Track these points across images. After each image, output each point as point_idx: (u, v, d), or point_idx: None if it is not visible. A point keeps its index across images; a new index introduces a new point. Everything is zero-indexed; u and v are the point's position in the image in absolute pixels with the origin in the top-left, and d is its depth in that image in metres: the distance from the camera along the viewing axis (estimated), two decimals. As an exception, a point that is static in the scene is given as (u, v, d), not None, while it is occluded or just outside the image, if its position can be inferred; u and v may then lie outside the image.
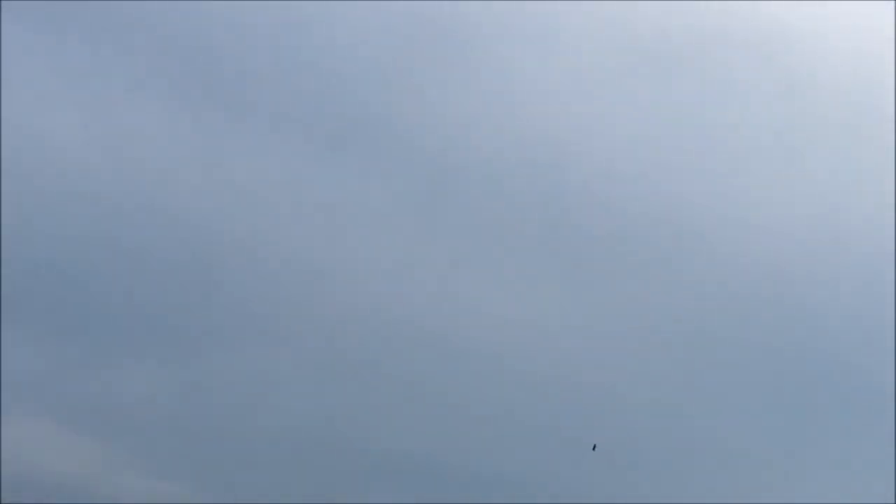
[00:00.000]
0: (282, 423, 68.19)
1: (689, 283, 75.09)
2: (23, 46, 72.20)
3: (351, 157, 76.01)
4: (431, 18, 78.07)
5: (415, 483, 67.15)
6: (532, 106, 78.22)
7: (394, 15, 77.88)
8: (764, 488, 66.25)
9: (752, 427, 69.54)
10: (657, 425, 69.69)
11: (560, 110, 78.63)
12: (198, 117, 74.86)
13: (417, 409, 69.37)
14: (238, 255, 72.50)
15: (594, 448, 61.01)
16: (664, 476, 68.25)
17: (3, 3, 72.69)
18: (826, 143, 78.57)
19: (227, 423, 67.72)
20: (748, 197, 77.61)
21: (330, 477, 66.67)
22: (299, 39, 77.43)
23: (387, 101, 77.54)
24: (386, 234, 75.37)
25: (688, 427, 69.43)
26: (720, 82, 79.10)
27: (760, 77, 78.80)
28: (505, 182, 76.89)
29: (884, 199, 76.71)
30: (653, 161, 77.97)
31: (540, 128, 77.79)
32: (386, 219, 75.81)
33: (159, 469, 66.58)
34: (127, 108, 74.85)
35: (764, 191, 77.71)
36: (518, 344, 72.01)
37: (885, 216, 76.00)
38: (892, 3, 77.45)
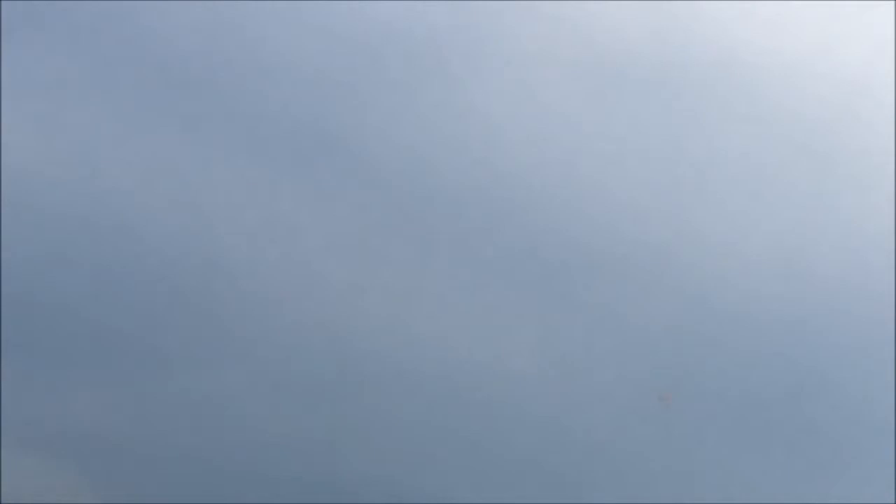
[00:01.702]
0: (239, 444, 68.10)
1: (664, 305, 75.39)
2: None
3: (312, 174, 75.99)
4: (396, 35, 78.26)
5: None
6: (497, 126, 78.42)
7: (358, 31, 77.99)
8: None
9: (742, 452, 70.00)
10: (640, 448, 70.02)
11: (525, 131, 78.86)
12: (153, 133, 74.72)
13: (377, 433, 69.43)
14: (194, 272, 72.30)
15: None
16: (652, 485, 68.67)
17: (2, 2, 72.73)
18: (795, 165, 79.13)
19: (182, 445, 67.62)
20: (718, 215, 78.11)
21: (292, 501, 66.76)
22: (260, 54, 77.47)
23: (348, 118, 77.54)
24: (346, 252, 75.36)
25: (674, 448, 69.75)
26: (689, 104, 79.65)
27: (728, 99, 79.44)
28: (467, 201, 77.01)
29: (853, 218, 77.43)
30: (622, 182, 78.37)
31: (504, 148, 78.05)
32: (347, 237, 75.83)
33: (111, 492, 66.53)
34: (81, 121, 74.81)
35: (736, 210, 78.22)
36: (480, 368, 72.18)
37: (853, 234, 76.81)
38: (892, 3, 77.68)
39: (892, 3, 77.34)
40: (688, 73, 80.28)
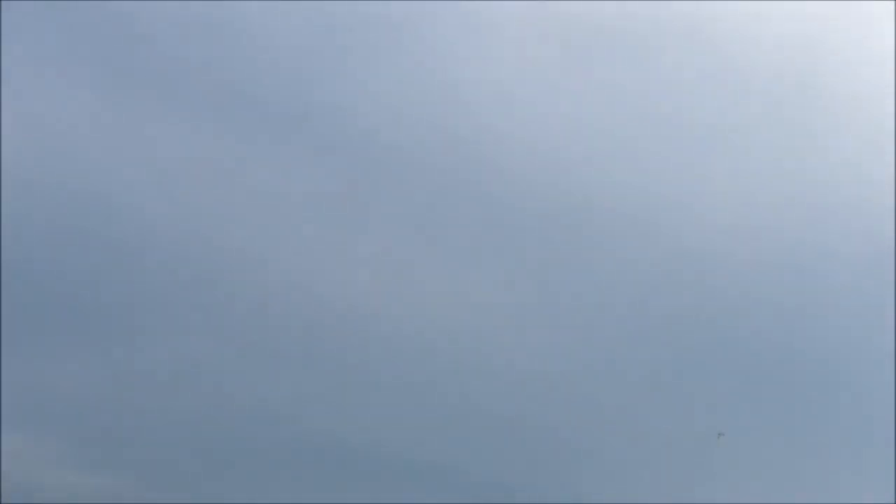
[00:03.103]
0: (212, 411, 67.90)
1: (632, 268, 75.35)
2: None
3: (283, 142, 75.86)
4: (359, 3, 78.01)
5: (349, 469, 67.23)
6: (470, 92, 78.23)
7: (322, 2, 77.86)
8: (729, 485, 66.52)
9: (712, 412, 69.71)
10: (618, 416, 69.94)
11: (497, 97, 78.73)
12: (124, 103, 74.47)
13: (351, 395, 69.36)
14: (167, 240, 72.13)
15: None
16: (631, 472, 68.46)
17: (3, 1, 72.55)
18: (765, 128, 79.04)
19: (157, 413, 67.38)
20: (689, 181, 78.04)
21: (262, 466, 66.63)
22: (229, 23, 77.11)
23: (321, 86, 77.37)
24: (319, 219, 75.27)
25: (654, 417, 69.53)
26: (658, 69, 79.42)
27: (698, 63, 79.16)
28: (441, 167, 76.86)
29: (823, 181, 77.43)
30: (593, 147, 78.20)
31: (477, 114, 77.82)
32: (319, 203, 75.69)
33: (87, 462, 66.22)
34: (56, 96, 74.49)
35: (705, 175, 78.12)
36: (452, 329, 72.15)
37: (824, 197, 76.84)
38: (892, 3, 77.50)
39: (893, 2, 77.27)
40: (658, 36, 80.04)
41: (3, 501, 62.72)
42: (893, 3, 77.17)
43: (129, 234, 72.01)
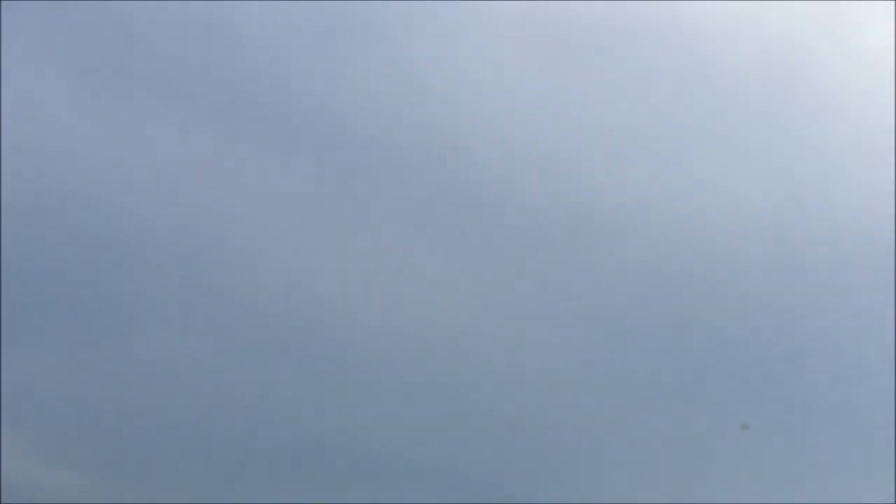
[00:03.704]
0: (209, 411, 68.07)
1: (630, 268, 75.54)
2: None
3: (281, 142, 76.06)
4: (346, 2, 78.28)
5: (347, 470, 67.36)
6: (467, 93, 78.43)
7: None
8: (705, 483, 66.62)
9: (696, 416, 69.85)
10: (618, 416, 70.06)
11: (493, 97, 78.91)
12: (121, 103, 74.71)
13: (349, 395, 69.46)
14: (163, 239, 72.28)
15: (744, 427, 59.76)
16: (631, 473, 68.58)
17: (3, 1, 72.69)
18: (744, 127, 79.31)
19: (153, 413, 67.55)
20: (687, 182, 78.22)
21: (260, 465, 66.80)
22: (225, 24, 77.34)
23: (318, 86, 77.53)
24: (317, 218, 75.43)
25: (654, 417, 69.63)
26: (634, 71, 79.63)
27: (673, 66, 79.37)
28: (439, 167, 77.05)
29: (793, 181, 77.70)
30: (590, 147, 78.39)
31: (459, 113, 77.95)
32: (318, 203, 75.85)
33: (62, 457, 66.29)
34: (48, 96, 74.77)
35: (671, 173, 78.31)
36: (451, 329, 72.32)
37: (794, 199, 77.10)
38: (892, 3, 77.52)
39: (893, 2, 77.24)
40: (635, 37, 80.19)
41: (3, 501, 62.79)
42: (893, 2, 77.16)
43: (124, 233, 72.14)
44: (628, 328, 72.51)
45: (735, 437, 68.25)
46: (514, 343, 71.92)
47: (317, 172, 76.39)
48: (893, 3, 77.10)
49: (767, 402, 70.18)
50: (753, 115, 79.21)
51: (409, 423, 67.89)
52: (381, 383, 69.02)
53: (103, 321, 69.37)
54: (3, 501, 62.26)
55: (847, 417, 68.85)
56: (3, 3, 71.93)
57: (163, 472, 65.15)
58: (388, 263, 73.96)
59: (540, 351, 71.73)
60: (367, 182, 76.16)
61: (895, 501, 63.00)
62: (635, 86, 78.85)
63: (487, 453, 67.77)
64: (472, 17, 78.70)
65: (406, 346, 70.78)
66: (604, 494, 67.23)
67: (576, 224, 75.79)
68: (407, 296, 73.05)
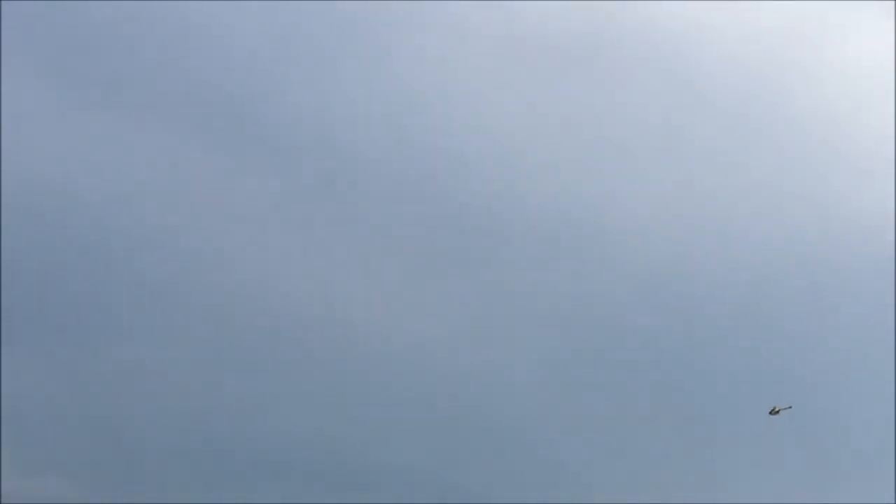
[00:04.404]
0: (173, 418, 67.98)
1: (586, 276, 75.58)
2: None
3: (245, 151, 76.03)
4: (328, 11, 78.16)
5: (327, 473, 67.30)
6: (428, 103, 78.53)
7: (289, 6, 78.03)
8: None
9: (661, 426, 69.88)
10: (607, 423, 70.01)
11: (448, 106, 79.06)
12: (106, 111, 74.62)
13: (313, 402, 69.45)
14: (130, 247, 72.29)
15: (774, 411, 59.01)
16: (622, 479, 68.54)
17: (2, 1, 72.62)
18: (713, 139, 79.54)
19: (116, 418, 67.44)
20: (640, 190, 78.39)
21: (220, 474, 66.66)
22: (189, 30, 77.34)
23: (300, 95, 77.63)
24: (301, 226, 75.51)
25: (646, 424, 69.64)
26: (611, 81, 79.84)
27: (649, 76, 79.63)
28: (399, 177, 77.16)
29: (771, 188, 77.88)
30: (547, 157, 78.59)
31: (435, 124, 78.14)
32: (301, 211, 75.93)
33: (44, 464, 66.14)
34: (38, 104, 74.71)
35: (655, 184, 78.47)
36: (410, 338, 72.33)
37: (773, 207, 77.27)
38: (893, 3, 77.58)
39: (893, 2, 77.32)
40: (619, 49, 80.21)
41: (3, 501, 62.63)
42: (893, 5, 77.23)
43: (112, 240, 72.30)
44: (616, 335, 72.47)
45: (734, 439, 68.25)
46: (502, 349, 71.88)
47: (306, 182, 76.44)
48: (894, 3, 77.23)
49: (759, 405, 70.22)
50: (737, 124, 79.46)
51: (392, 427, 67.81)
52: (363, 387, 69.00)
53: (91, 326, 69.34)
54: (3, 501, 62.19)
55: (846, 419, 68.87)
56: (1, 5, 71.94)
57: (150, 475, 65.07)
58: (370, 271, 73.98)
59: (523, 358, 71.67)
60: (354, 191, 76.27)
61: (895, 502, 62.95)
62: (620, 96, 78.99)
63: (473, 459, 67.71)
64: (458, 29, 78.84)
65: (395, 353, 70.73)
66: (593, 498, 67.24)
67: (561, 232, 75.95)
68: (394, 303, 73.00)
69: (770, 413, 55.11)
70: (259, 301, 72.33)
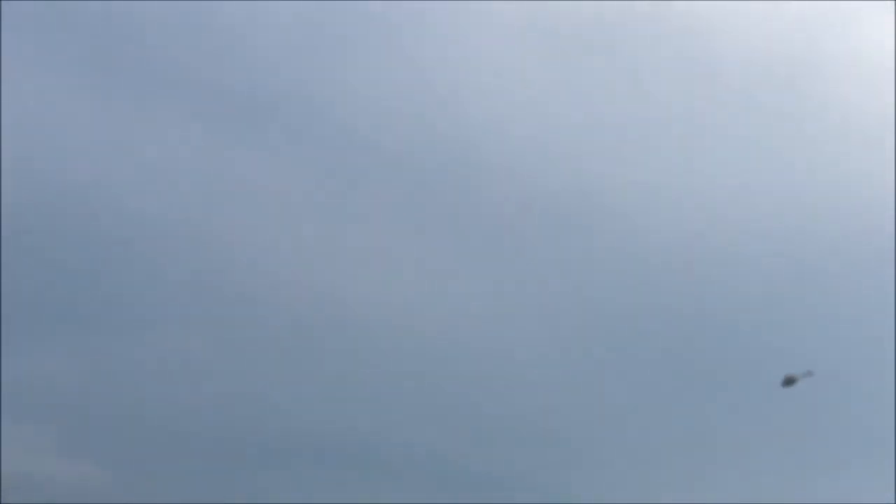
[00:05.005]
0: (203, 407, 68.14)
1: (604, 260, 75.70)
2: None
3: (275, 140, 76.14)
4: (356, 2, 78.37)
5: (344, 465, 67.43)
6: (442, 87, 78.57)
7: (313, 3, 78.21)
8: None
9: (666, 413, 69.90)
10: (623, 406, 70.04)
11: (470, 91, 79.09)
12: (117, 101, 74.82)
13: (345, 391, 69.55)
14: (151, 236, 72.47)
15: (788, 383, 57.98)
16: (627, 471, 68.61)
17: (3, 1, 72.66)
18: (730, 122, 79.54)
19: (141, 406, 67.58)
20: (658, 174, 78.45)
21: (256, 461, 66.82)
22: (214, 23, 77.47)
23: (312, 84, 77.65)
24: (312, 216, 75.61)
25: (654, 416, 69.63)
26: (627, 63, 79.82)
27: (666, 57, 79.60)
28: (419, 162, 77.19)
29: (789, 173, 77.88)
30: (565, 141, 78.61)
31: (456, 109, 78.15)
32: (312, 201, 76.01)
33: (73, 449, 66.44)
34: (36, 94, 74.93)
35: (672, 167, 78.51)
36: (432, 324, 72.42)
37: (790, 188, 77.29)
38: (893, 3, 77.61)
39: (893, 2, 77.30)
40: (642, 34, 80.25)
41: (3, 500, 62.68)
42: (893, 2, 77.23)
43: (121, 230, 72.37)
44: (633, 324, 72.44)
45: (734, 439, 68.24)
46: (519, 338, 71.92)
47: (313, 172, 76.45)
48: (893, 2, 77.22)
49: (766, 401, 70.23)
50: (759, 110, 79.24)
51: (407, 418, 67.94)
52: (378, 379, 69.10)
53: (108, 317, 69.56)
54: (3, 500, 62.20)
55: (847, 417, 68.90)
56: (3, 3, 72.01)
57: (166, 464, 65.27)
58: (385, 261, 74.03)
59: (537, 347, 71.70)
60: (365, 181, 76.29)
61: (895, 502, 62.95)
62: (641, 83, 78.95)
63: (485, 449, 67.79)
64: (477, 17, 78.81)
65: (403, 342, 70.83)
66: (599, 491, 67.36)
67: (583, 220, 75.90)
68: (403, 292, 73.09)
69: (785, 384, 52.83)
70: (283, 292, 72.36)
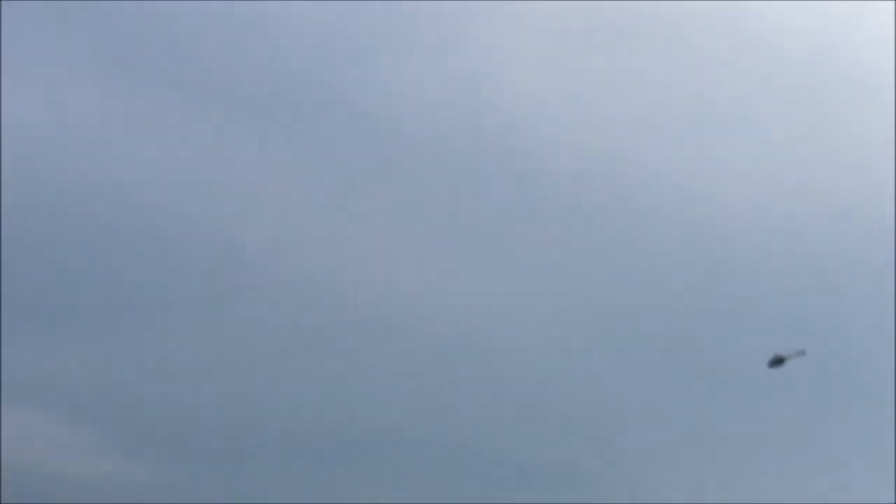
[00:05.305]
0: (226, 403, 68.27)
1: (657, 255, 75.50)
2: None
3: (302, 137, 76.16)
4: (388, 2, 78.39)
5: (365, 460, 67.51)
6: (492, 77, 78.42)
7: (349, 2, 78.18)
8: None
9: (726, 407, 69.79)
10: (626, 404, 69.99)
11: (521, 81, 78.88)
12: (141, 98, 74.97)
13: (366, 387, 69.65)
14: (182, 233, 72.61)
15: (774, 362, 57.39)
16: (641, 464, 68.56)
17: (3, 1, 72.75)
18: (788, 109, 79.20)
19: (174, 405, 67.79)
20: (713, 166, 78.21)
21: (277, 458, 66.96)
22: (247, 19, 77.43)
23: (342, 82, 77.62)
24: (337, 213, 75.65)
25: (665, 412, 69.52)
26: (682, 52, 79.57)
27: (722, 45, 79.34)
28: (461, 154, 77.09)
29: (844, 162, 77.62)
30: (616, 132, 78.42)
31: (501, 98, 77.96)
32: (337, 198, 76.01)
33: (127, 448, 66.68)
34: (65, 87, 75.12)
35: (728, 159, 78.26)
36: (468, 320, 72.40)
37: (845, 180, 76.97)
38: (892, 3, 77.55)
39: (892, 2, 77.23)
40: (678, 25, 79.94)
41: (3, 498, 62.76)
42: (894, 2, 77.24)
43: (144, 227, 72.54)
44: (659, 317, 72.02)
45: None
46: (547, 330, 71.63)
47: (340, 169, 76.26)
48: (893, 2, 77.18)
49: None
50: (795, 103, 78.62)
51: (428, 413, 67.85)
52: (399, 375, 68.93)
53: (125, 314, 69.75)
54: (3, 499, 62.29)
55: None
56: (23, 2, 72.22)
57: (184, 460, 65.37)
58: (415, 256, 73.86)
59: (561, 341, 71.44)
60: (391, 178, 76.06)
61: (895, 502, 62.96)
62: (679, 73, 78.50)
63: (508, 441, 67.64)
64: (513, 15, 78.40)
65: (425, 337, 70.69)
66: (614, 479, 67.32)
67: (602, 212, 75.50)
68: (425, 288, 72.89)
69: (772, 364, 51.68)
70: (307, 291, 72.34)
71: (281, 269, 72.57)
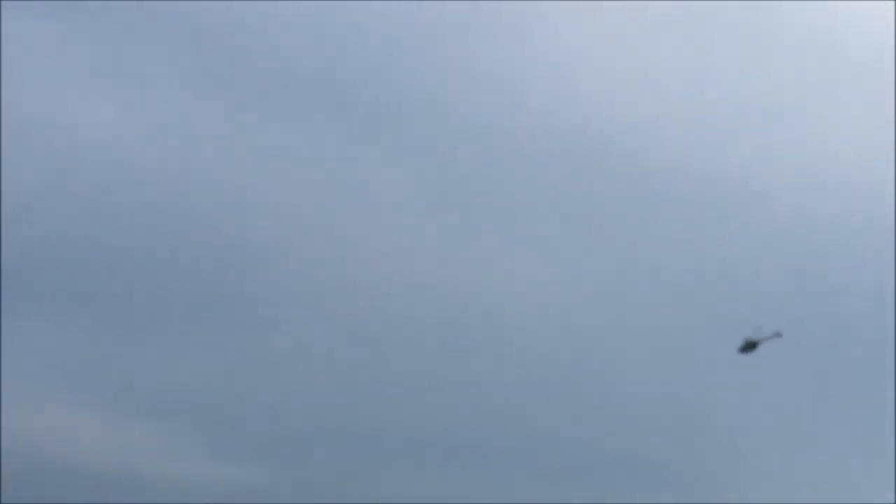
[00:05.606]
0: (331, 399, 68.79)
1: (720, 241, 75.47)
2: (30, 39, 73.29)
3: (401, 139, 76.63)
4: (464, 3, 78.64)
5: (447, 455, 67.76)
6: (562, 69, 78.73)
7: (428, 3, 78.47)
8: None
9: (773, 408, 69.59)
10: (673, 389, 70.00)
11: (590, 73, 79.19)
12: (242, 102, 75.61)
13: (466, 382, 70.15)
14: (271, 232, 73.40)
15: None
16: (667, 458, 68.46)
17: (3, 2, 72.79)
18: (857, 95, 78.85)
19: (278, 402, 68.45)
20: (777, 157, 78.05)
21: (382, 452, 67.31)
22: (328, 23, 77.91)
23: (439, 82, 78.18)
24: (441, 214, 76.04)
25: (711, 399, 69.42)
26: (750, 39, 79.41)
27: (791, 33, 78.99)
28: (531, 142, 77.47)
29: (862, 134, 77.28)
30: (682, 121, 78.47)
31: (569, 89, 78.30)
32: (440, 199, 76.54)
33: (215, 450, 67.34)
34: (161, 96, 75.87)
35: (796, 149, 78.08)
36: (544, 307, 72.81)
37: (864, 149, 76.79)
38: (892, 3, 77.39)
39: (893, 2, 77.03)
40: (761, 12, 79.10)
41: (2, 499, 62.88)
42: (894, 2, 77.08)
43: (251, 232, 73.21)
44: (750, 311, 71.11)
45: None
46: (650, 324, 71.17)
47: (439, 169, 76.34)
48: (893, 2, 77.01)
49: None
50: (882, 92, 77.83)
51: (536, 403, 67.65)
52: (499, 371, 68.75)
53: (232, 316, 70.09)
54: (2, 502, 62.25)
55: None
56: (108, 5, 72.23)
57: (305, 461, 65.39)
58: (529, 255, 73.65)
59: (678, 336, 70.91)
60: (473, 165, 75.93)
61: (895, 502, 62.79)
62: (762, 62, 77.96)
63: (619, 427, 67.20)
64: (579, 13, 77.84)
65: (550, 333, 70.29)
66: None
67: (694, 204, 74.92)
68: (549, 285, 72.63)
69: (743, 349, 50.64)
70: (411, 293, 72.85)
71: (392, 269, 72.79)
